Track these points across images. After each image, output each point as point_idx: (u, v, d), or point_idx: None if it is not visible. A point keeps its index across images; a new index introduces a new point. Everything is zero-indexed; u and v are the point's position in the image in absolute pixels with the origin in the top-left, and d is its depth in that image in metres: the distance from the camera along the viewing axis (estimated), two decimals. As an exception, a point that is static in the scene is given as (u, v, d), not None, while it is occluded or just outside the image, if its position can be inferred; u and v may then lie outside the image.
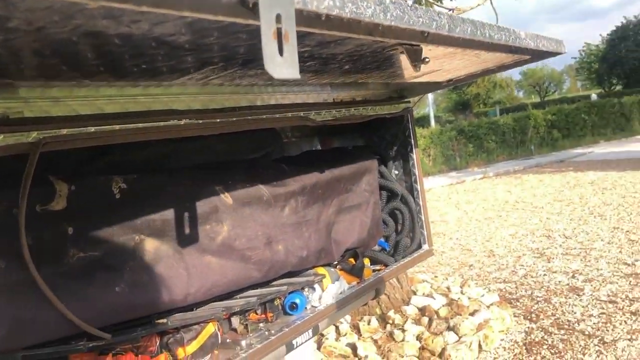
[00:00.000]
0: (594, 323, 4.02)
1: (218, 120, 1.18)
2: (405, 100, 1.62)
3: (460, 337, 3.77)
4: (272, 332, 1.36)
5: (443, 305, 4.25)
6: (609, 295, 4.52)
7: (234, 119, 1.21)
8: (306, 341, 1.43)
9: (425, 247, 1.67)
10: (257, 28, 0.62)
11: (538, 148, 19.73)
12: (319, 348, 3.83)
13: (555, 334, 3.94)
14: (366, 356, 3.59)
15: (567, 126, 20.93)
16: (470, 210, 9.98)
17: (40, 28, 0.61)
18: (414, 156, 1.63)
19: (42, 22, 0.59)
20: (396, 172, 1.72)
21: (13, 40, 0.64)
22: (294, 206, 1.35)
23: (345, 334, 3.95)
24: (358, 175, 1.48)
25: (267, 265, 1.33)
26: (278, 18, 0.60)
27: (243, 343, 1.33)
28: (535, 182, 12.39)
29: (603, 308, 4.28)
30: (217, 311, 1.29)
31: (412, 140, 1.62)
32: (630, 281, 4.78)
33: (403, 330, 3.85)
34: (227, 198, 1.27)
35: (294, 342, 1.37)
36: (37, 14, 0.55)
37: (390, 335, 3.85)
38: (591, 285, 4.84)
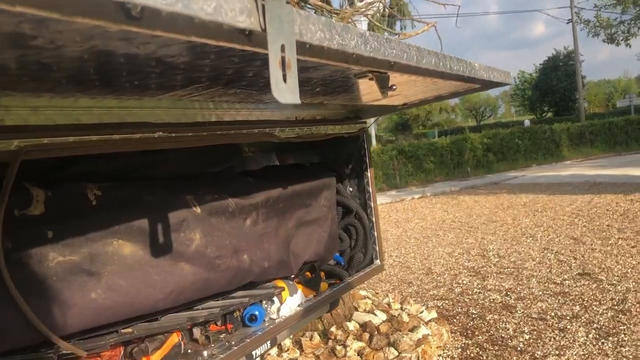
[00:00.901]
0: (525, 339, 4.22)
1: (190, 134, 1.21)
2: (361, 120, 1.69)
3: (400, 353, 3.86)
4: (233, 343, 1.38)
5: (384, 321, 4.35)
6: (539, 313, 4.76)
7: (205, 133, 1.24)
8: (265, 352, 1.46)
9: (377, 262, 1.73)
10: (249, 52, 0.66)
11: (474, 170, 20.48)
12: (262, 363, 3.82)
13: (489, 350, 4.11)
14: (309, 371, 3.61)
15: (502, 150, 21.86)
16: (409, 229, 10.23)
17: (59, 47, 0.62)
18: (368, 174, 1.70)
19: (63, 41, 0.60)
20: (351, 189, 1.77)
21: (27, 56, 0.65)
22: (256, 218, 1.38)
23: (288, 350, 3.97)
24: (317, 191, 1.52)
25: (233, 273, 1.35)
26: (282, 48, 0.65)
27: (205, 353, 1.35)
28: (471, 203, 12.85)
29: (534, 325, 4.50)
30: (182, 321, 1.30)
31: (367, 159, 1.69)
32: (559, 299, 5.05)
33: (345, 346, 3.90)
34: (196, 208, 1.29)
35: (253, 353, 1.40)
36: (64, 34, 0.57)
37: (332, 351, 3.90)
38: (523, 303, 5.07)
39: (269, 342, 1.46)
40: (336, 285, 1.62)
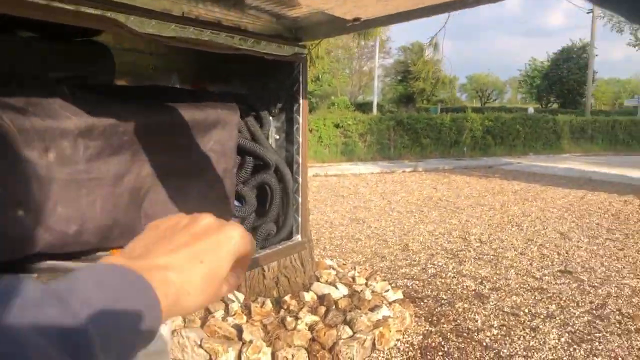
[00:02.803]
0: (493, 334, 3.90)
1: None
2: (300, 43, 1.24)
3: (354, 333, 3.53)
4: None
5: (344, 296, 4.01)
6: (512, 307, 4.44)
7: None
8: None
9: (297, 237, 1.29)
10: None
11: (470, 151, 20.07)
12: (202, 326, 3.49)
13: (452, 341, 3.79)
14: (250, 341, 3.29)
15: (502, 134, 21.40)
16: (394, 202, 9.89)
17: None
18: (300, 119, 1.25)
19: None
20: (276, 136, 1.33)
21: None
22: (73, 152, 0.87)
23: (235, 314, 3.63)
24: (202, 128, 1.01)
25: (19, 236, 0.86)
26: None
27: None
28: (461, 183, 12.49)
29: (504, 320, 4.18)
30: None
31: (301, 99, 1.23)
32: (535, 295, 4.73)
33: (296, 318, 3.57)
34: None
35: None
36: None
37: (282, 321, 3.56)
38: (497, 295, 4.75)
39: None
40: None
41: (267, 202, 1.23)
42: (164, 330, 2.36)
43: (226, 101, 1.08)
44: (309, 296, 3.92)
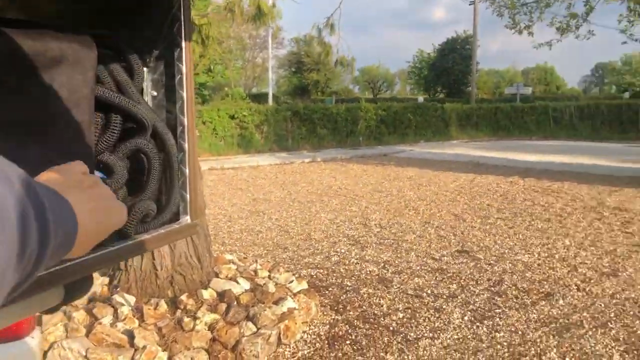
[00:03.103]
0: (399, 318, 3.86)
1: None
2: None
3: (258, 329, 3.33)
4: None
5: (246, 291, 3.78)
6: (415, 289, 4.44)
7: None
8: None
9: (185, 219, 1.04)
10: None
11: (366, 140, 20.47)
12: (87, 334, 3.11)
13: (360, 328, 3.69)
14: (144, 347, 2.97)
15: (394, 123, 22.02)
16: (295, 192, 9.76)
17: None
18: (184, 69, 1.00)
19: None
20: (154, 93, 1.05)
21: None
22: None
23: (125, 319, 3.28)
24: (40, 65, 0.77)
25: None
26: None
27: None
28: (359, 172, 12.63)
29: (409, 302, 4.16)
30: None
31: (184, 42, 0.98)
32: (437, 276, 4.77)
33: (195, 318, 3.30)
34: None
35: None
36: None
37: (179, 323, 3.27)
38: (400, 278, 4.74)
39: None
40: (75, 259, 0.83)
41: (144, 175, 0.96)
42: (33, 343, 2.01)
43: (75, 32, 0.79)
44: (207, 294, 3.65)
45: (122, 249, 0.84)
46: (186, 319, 3.30)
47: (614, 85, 65.93)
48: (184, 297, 3.55)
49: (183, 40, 0.97)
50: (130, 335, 3.11)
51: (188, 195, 1.02)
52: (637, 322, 3.73)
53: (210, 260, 4.04)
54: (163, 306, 3.49)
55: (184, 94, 0.99)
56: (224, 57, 33.45)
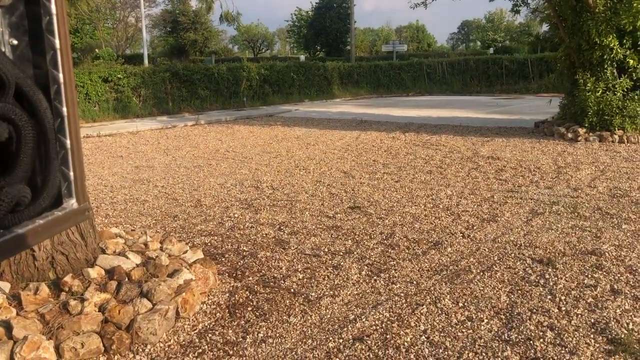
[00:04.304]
0: (299, 279, 3.85)
1: None
2: None
3: (154, 305, 3.16)
4: None
5: (137, 266, 3.56)
6: (312, 249, 4.46)
7: None
8: None
9: (71, 203, 0.85)
10: None
11: (250, 101, 20.12)
12: (-44, 331, 2.76)
13: (260, 293, 3.64)
14: (25, 337, 2.70)
15: (278, 83, 21.83)
16: (180, 157, 9.37)
17: None
18: (54, 6, 0.79)
19: None
20: (13, 41, 0.82)
21: None
22: None
23: (0, 308, 2.95)
24: None
25: None
26: None
27: None
28: (245, 133, 12.42)
29: (308, 262, 4.17)
30: None
31: None
32: (332, 234, 4.82)
33: (82, 300, 3.05)
34: None
35: None
36: None
37: (64, 307, 3.01)
38: (296, 238, 4.73)
39: None
40: None
41: (11, 151, 0.75)
42: None
43: None
44: (94, 272, 3.38)
45: None
46: (72, 302, 3.03)
47: (479, 41, 70.20)
48: (68, 278, 3.26)
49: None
50: (8, 326, 2.80)
51: (71, 173, 0.83)
52: (518, 263, 4.04)
53: (95, 236, 3.74)
54: (44, 290, 3.18)
55: (56, 42, 0.79)
56: (92, 16, 30.95)
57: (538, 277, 3.76)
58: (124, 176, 7.79)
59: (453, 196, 6.06)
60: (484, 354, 2.85)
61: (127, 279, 3.38)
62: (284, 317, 3.30)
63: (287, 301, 3.51)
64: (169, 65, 22.69)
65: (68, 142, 0.84)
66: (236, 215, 5.54)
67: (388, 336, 3.04)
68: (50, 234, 0.87)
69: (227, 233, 4.97)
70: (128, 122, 15.03)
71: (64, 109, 0.83)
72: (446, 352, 2.88)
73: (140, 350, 2.96)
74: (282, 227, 5.08)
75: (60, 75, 0.82)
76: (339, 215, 5.45)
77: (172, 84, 18.26)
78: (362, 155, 8.95)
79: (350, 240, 4.65)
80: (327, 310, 3.37)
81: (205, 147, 10.44)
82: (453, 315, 3.28)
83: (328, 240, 4.69)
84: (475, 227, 4.92)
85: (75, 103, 0.85)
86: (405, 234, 4.76)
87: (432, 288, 3.65)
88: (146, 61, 30.19)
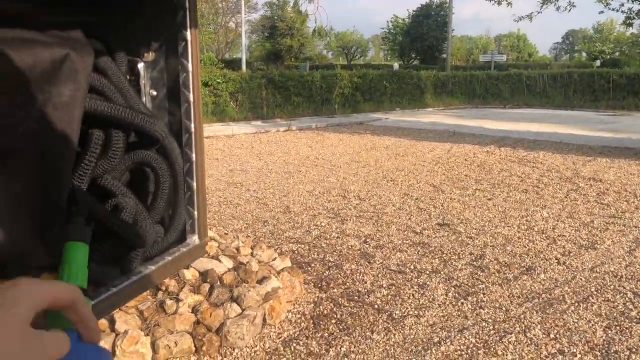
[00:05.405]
0: (383, 295, 3.84)
1: None
2: None
3: (243, 310, 3.27)
4: None
5: (229, 270, 3.71)
6: (398, 265, 4.43)
7: None
8: None
9: (194, 239, 0.93)
10: None
11: (341, 108, 20.30)
12: (66, 320, 3.00)
13: (344, 306, 3.66)
14: (125, 332, 2.89)
15: (370, 91, 21.87)
16: (271, 162, 9.64)
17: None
18: (191, 66, 0.85)
19: None
20: (153, 92, 0.91)
21: None
22: None
23: (105, 303, 3.18)
24: (31, 80, 0.58)
25: None
26: None
27: None
28: (335, 141, 12.54)
29: (392, 279, 4.14)
30: None
31: (189, 34, 0.83)
32: (419, 250, 4.77)
33: (177, 300, 3.21)
34: None
35: None
36: None
37: (161, 305, 3.19)
38: (382, 253, 4.72)
39: None
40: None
41: (148, 194, 0.83)
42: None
43: (68, 32, 0.63)
44: (189, 274, 3.56)
45: (122, 292, 0.72)
46: (168, 301, 3.21)
47: (584, 52, 66.60)
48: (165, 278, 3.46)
49: (189, 33, 0.83)
50: (111, 319, 3.01)
51: (196, 212, 0.91)
52: (618, 296, 3.79)
53: (191, 239, 3.94)
54: (144, 288, 3.39)
55: (190, 96, 0.87)
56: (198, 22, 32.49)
57: (641, 314, 3.52)
58: (219, 179, 8.13)
59: (549, 219, 5.78)
60: (576, 393, 2.71)
61: (219, 283, 3.53)
62: (367, 333, 3.31)
63: (371, 317, 3.52)
64: (265, 71, 23.39)
65: (195, 184, 0.92)
66: (323, 224, 5.61)
67: (473, 363, 2.96)
68: (174, 270, 0.94)
69: (314, 242, 5.04)
70: (224, 126, 15.65)
71: (194, 155, 0.90)
72: (534, 386, 2.76)
73: (228, 353, 3.08)
74: (367, 240, 5.08)
75: (192, 125, 0.90)
76: (426, 231, 5.37)
77: (267, 90, 18.81)
78: (454, 169, 8.76)
79: (437, 259, 4.57)
80: (411, 330, 3.33)
81: (296, 153, 10.66)
82: (543, 347, 3.14)
83: (414, 257, 4.64)
84: (572, 254, 4.67)
85: (203, 150, 0.92)
86: (496, 257, 4.61)
87: (522, 316, 3.51)
88: (244, 66, 31.33)
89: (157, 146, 0.79)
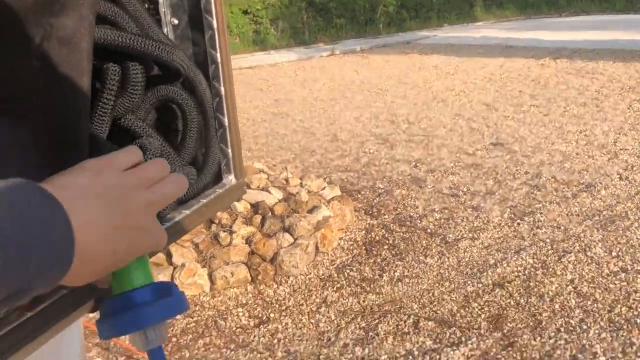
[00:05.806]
0: (435, 219, 3.79)
1: None
2: None
3: (296, 239, 3.30)
4: None
5: (279, 201, 3.72)
6: (450, 188, 4.34)
7: None
8: None
9: (230, 179, 0.89)
10: None
11: (386, 27, 19.58)
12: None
13: (396, 232, 3.64)
14: (183, 264, 2.97)
15: (416, 7, 20.94)
16: (316, 90, 9.48)
17: None
18: None
19: None
20: (174, 20, 0.82)
21: None
22: None
23: (161, 238, 3.26)
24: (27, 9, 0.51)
25: None
26: None
27: None
28: (381, 63, 12.18)
29: (445, 202, 4.07)
30: None
31: None
32: (472, 172, 4.64)
33: (231, 232, 3.26)
34: None
35: None
36: None
37: (215, 237, 3.25)
38: (433, 176, 4.63)
39: None
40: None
41: (177, 133, 0.78)
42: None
43: None
44: (241, 206, 3.59)
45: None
46: (222, 234, 3.27)
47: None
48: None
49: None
50: (168, 253, 3.10)
51: (230, 150, 0.86)
52: (687, 211, 3.60)
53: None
54: (197, 222, 3.46)
55: (214, 22, 0.79)
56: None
57: None
58: (265, 109, 8.08)
59: (610, 132, 5.48)
60: (639, 309, 2.63)
61: (270, 214, 3.55)
62: (421, 257, 3.29)
63: (424, 241, 3.49)
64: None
65: (226, 120, 0.86)
66: (372, 151, 5.53)
67: (531, 284, 2.91)
68: (212, 213, 0.90)
69: (363, 169, 4.99)
70: (266, 55, 15.44)
71: (222, 88, 0.84)
72: (595, 305, 2.70)
73: (284, 281, 3.14)
74: (418, 164, 4.98)
75: (218, 55, 0.82)
76: (479, 152, 5.21)
77: (307, 14, 18.30)
78: (507, 86, 8.38)
79: (491, 180, 4.44)
80: (466, 253, 3.29)
81: (340, 79, 10.44)
82: (605, 265, 3.04)
83: (467, 179, 4.52)
84: (635, 168, 4.44)
85: (232, 82, 0.85)
86: (554, 175, 4.44)
87: (582, 235, 3.39)
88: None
89: (180, 79, 0.73)
